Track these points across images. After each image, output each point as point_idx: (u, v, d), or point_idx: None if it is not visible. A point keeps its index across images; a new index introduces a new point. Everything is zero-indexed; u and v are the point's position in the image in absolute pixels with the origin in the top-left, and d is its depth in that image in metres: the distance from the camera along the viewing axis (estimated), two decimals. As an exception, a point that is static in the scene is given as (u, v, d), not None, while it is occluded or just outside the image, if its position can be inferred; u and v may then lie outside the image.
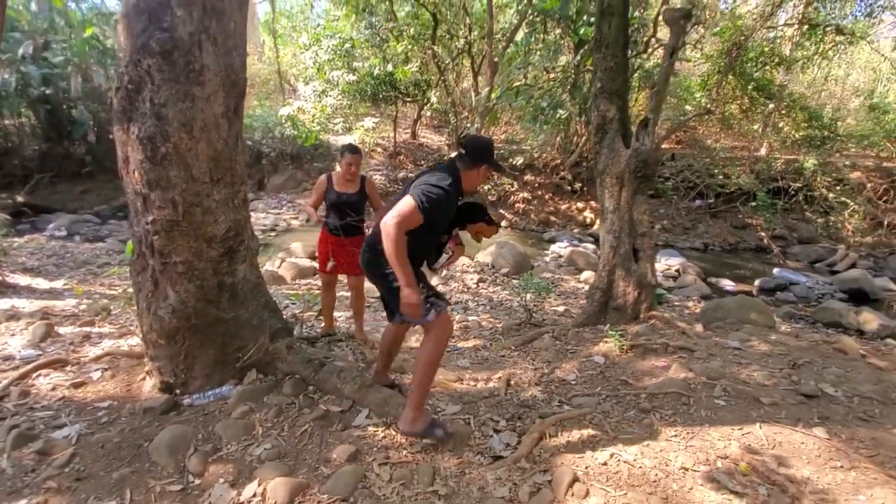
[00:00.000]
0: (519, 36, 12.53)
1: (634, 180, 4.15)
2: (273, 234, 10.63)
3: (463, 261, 7.86)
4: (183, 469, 2.09)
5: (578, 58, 10.31)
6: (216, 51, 2.25)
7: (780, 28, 13.43)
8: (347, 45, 13.41)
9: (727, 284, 8.58)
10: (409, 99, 14.55)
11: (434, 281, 6.67)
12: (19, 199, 10.80)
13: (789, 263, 10.37)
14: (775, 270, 9.43)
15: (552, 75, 11.77)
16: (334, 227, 3.54)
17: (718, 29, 12.42)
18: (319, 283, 4.34)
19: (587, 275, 7.92)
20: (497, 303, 6.25)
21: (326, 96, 13.61)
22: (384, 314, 2.68)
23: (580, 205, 13.54)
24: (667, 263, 9.21)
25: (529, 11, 11.35)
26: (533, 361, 3.54)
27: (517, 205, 13.30)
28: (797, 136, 13.47)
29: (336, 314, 4.31)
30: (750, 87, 12.81)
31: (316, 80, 13.92)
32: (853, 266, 9.79)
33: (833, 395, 2.72)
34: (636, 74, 11.13)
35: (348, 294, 4.01)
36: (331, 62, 13.44)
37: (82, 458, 2.14)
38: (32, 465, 2.08)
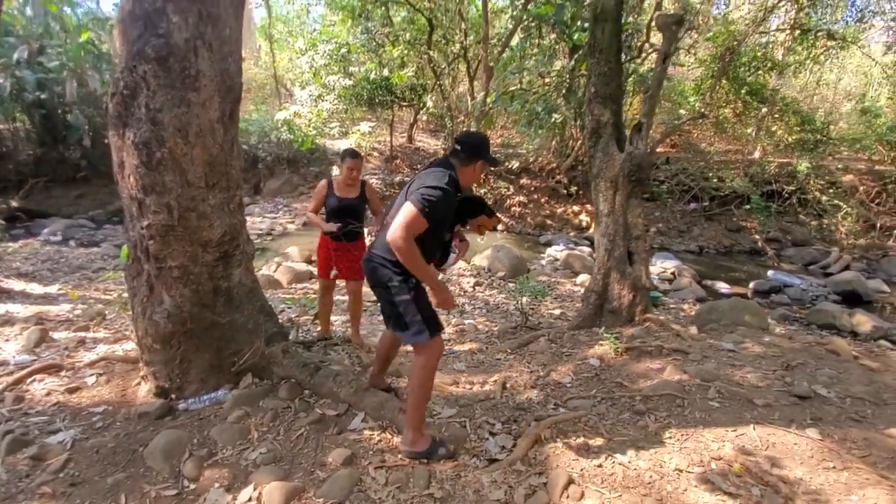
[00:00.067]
0: (514, 41, 12.59)
1: (628, 184, 4.19)
2: (269, 238, 10.62)
3: (460, 264, 7.87)
4: (178, 474, 2.08)
5: (573, 62, 10.37)
6: (211, 56, 2.27)
7: (772, 33, 13.57)
8: (343, 50, 13.45)
9: (722, 287, 8.62)
10: (405, 103, 14.58)
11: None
12: (14, 203, 10.75)
13: (783, 266, 10.44)
14: (769, 273, 9.49)
15: (547, 80, 11.83)
16: (334, 232, 3.54)
17: (711, 34, 12.54)
18: (317, 287, 4.35)
19: (583, 278, 7.94)
20: (493, 306, 6.26)
21: (323, 101, 13.64)
22: (381, 317, 2.68)
23: (576, 208, 13.59)
24: (662, 266, 9.26)
25: (525, 17, 11.42)
26: (528, 364, 3.55)
27: (513, 208, 13.33)
28: (790, 139, 13.59)
29: (332, 318, 4.31)
30: (743, 91, 12.93)
31: (312, 84, 13.94)
32: (847, 268, 9.87)
33: (826, 397, 2.74)
34: (630, 79, 11.20)
35: (345, 298, 4.01)
36: (327, 67, 13.46)
37: (77, 463, 2.13)
38: (27, 471, 2.08)
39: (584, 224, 13.11)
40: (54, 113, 11.81)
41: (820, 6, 12.27)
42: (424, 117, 17.49)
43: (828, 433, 2.36)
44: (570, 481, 2.01)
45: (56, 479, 2.03)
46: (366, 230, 3.81)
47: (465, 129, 13.87)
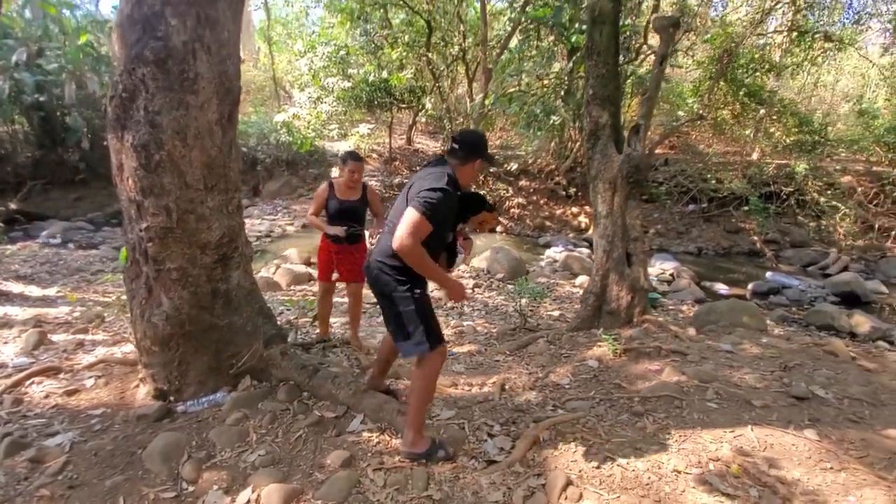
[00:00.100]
0: (513, 43, 12.62)
1: (627, 185, 4.20)
2: (268, 240, 10.61)
3: (459, 266, 7.87)
4: (177, 476, 2.08)
5: (571, 64, 10.40)
6: (210, 59, 2.27)
7: (769, 35, 13.61)
8: (342, 52, 13.48)
9: (721, 288, 8.63)
10: (404, 105, 14.61)
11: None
12: (12, 206, 10.72)
13: (782, 267, 10.46)
14: (768, 274, 9.50)
15: (546, 82, 11.85)
16: (337, 235, 3.54)
17: (709, 36, 12.57)
18: (316, 289, 4.34)
19: (582, 279, 7.94)
20: (492, 308, 6.26)
21: (321, 103, 13.65)
22: (380, 319, 2.68)
23: (575, 210, 13.60)
24: (661, 267, 9.26)
25: (523, 19, 11.45)
26: (527, 366, 3.56)
27: (512, 210, 13.35)
28: (788, 140, 13.60)
29: (331, 320, 4.31)
30: (741, 92, 12.95)
31: (311, 86, 13.96)
32: (845, 269, 9.88)
33: (823, 397, 2.75)
34: (628, 81, 11.23)
35: (344, 300, 4.01)
36: (326, 69, 13.49)
37: (75, 465, 2.13)
38: (25, 473, 2.07)
39: (582, 225, 13.12)
40: (53, 115, 11.82)
41: (817, 8, 12.32)
42: (423, 119, 17.51)
43: (825, 434, 2.36)
44: (569, 483, 2.01)
45: (54, 482, 2.03)
46: (366, 232, 3.81)
47: (463, 130, 13.85)
